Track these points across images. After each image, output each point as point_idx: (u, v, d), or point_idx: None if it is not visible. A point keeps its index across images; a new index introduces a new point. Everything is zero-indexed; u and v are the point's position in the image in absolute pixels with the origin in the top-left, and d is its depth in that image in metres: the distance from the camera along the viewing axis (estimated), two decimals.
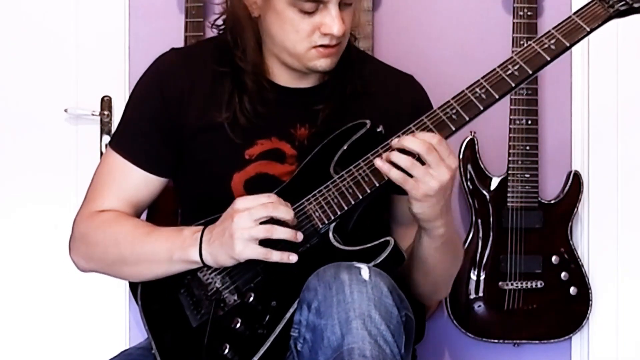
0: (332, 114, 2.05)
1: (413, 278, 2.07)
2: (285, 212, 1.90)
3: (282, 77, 2.08)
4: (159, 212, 2.61)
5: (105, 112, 2.84)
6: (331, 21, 1.95)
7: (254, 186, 2.02)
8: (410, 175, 1.87)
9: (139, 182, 2.10)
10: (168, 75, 2.09)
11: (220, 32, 2.14)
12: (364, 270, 1.82)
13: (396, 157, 1.88)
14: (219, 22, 2.14)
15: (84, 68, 2.87)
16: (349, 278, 1.80)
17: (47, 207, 2.86)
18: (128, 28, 2.88)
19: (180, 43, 2.72)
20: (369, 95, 2.09)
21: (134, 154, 2.08)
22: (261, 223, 1.89)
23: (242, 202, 1.91)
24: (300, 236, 1.91)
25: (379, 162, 1.89)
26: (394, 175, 1.87)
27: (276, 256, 1.90)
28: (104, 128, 2.84)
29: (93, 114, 2.85)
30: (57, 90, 2.87)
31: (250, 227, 1.88)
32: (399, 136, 1.91)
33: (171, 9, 2.87)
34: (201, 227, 1.98)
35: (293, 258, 1.90)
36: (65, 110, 2.85)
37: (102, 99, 2.85)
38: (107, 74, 2.87)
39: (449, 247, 2.01)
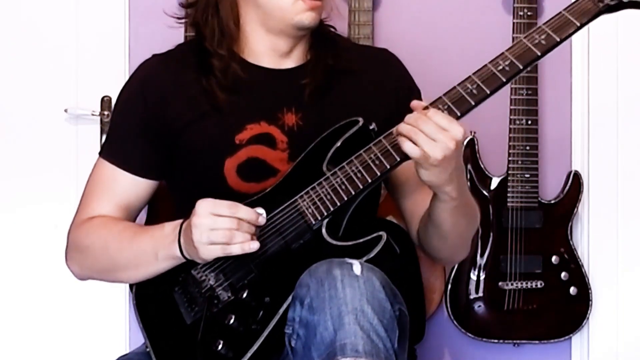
0: (316, 91, 2.08)
1: (431, 244, 2.09)
2: (246, 213, 1.89)
3: (265, 58, 2.10)
4: (158, 214, 2.61)
5: (105, 112, 2.84)
6: None
7: (247, 171, 2.05)
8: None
9: (128, 186, 2.12)
10: (149, 80, 2.12)
11: (189, 8, 2.15)
12: (356, 265, 1.83)
13: (401, 127, 1.89)
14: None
15: (84, 68, 2.87)
16: (340, 273, 1.80)
17: (47, 207, 2.86)
18: (128, 28, 2.88)
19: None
20: (351, 72, 2.12)
21: (121, 159, 2.11)
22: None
23: (200, 207, 1.90)
24: (255, 245, 1.89)
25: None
26: (406, 147, 1.88)
27: (236, 249, 1.90)
28: (104, 128, 2.84)
29: (93, 114, 2.85)
30: (57, 90, 2.87)
31: (208, 234, 1.89)
32: (391, 132, 1.93)
33: (171, 9, 2.86)
34: (180, 222, 1.99)
35: (254, 245, 1.90)
36: (65, 110, 2.85)
37: (102, 99, 2.85)
38: (107, 74, 2.87)
39: (462, 211, 2.01)
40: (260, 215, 1.92)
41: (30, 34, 2.87)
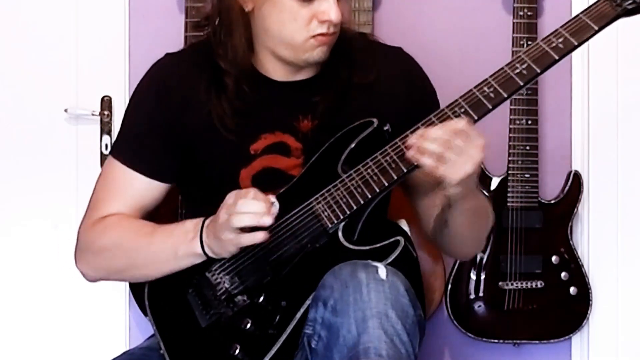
0: (330, 104, 2.06)
1: (446, 246, 2.11)
2: (255, 206, 1.88)
3: (277, 72, 2.08)
4: (159, 212, 2.61)
5: (105, 112, 2.84)
6: (329, 8, 1.97)
7: (262, 181, 2.03)
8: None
9: (143, 189, 2.10)
10: (165, 81, 2.09)
11: (204, 30, 2.13)
12: (381, 269, 1.83)
13: (427, 144, 1.86)
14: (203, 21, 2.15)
15: (84, 68, 2.86)
16: (366, 277, 1.81)
17: (47, 207, 2.85)
18: (128, 28, 2.88)
19: (180, 43, 2.72)
20: (365, 80, 2.09)
21: (136, 161, 2.09)
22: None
23: (227, 198, 1.92)
24: (267, 220, 1.89)
25: (410, 153, 1.88)
26: (427, 161, 1.86)
27: (247, 239, 1.89)
28: (104, 128, 2.84)
29: (93, 114, 2.85)
30: (57, 90, 2.86)
31: (225, 219, 1.89)
32: (407, 134, 1.92)
33: (171, 9, 2.86)
34: (202, 219, 1.99)
35: (260, 236, 1.89)
36: (65, 110, 2.85)
37: (102, 99, 2.85)
38: (107, 74, 2.86)
39: (477, 215, 2.03)
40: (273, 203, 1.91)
41: (30, 34, 2.86)
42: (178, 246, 1.99)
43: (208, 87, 2.06)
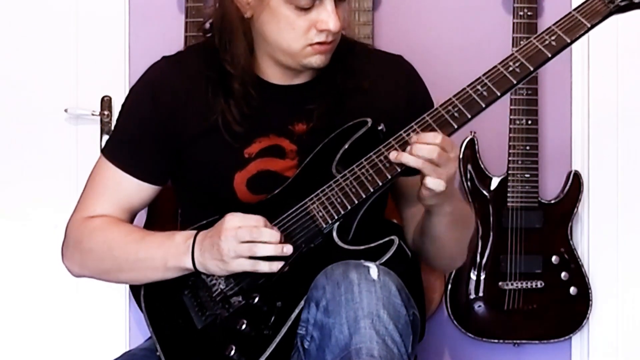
0: (327, 110, 2.05)
1: (428, 254, 2.10)
2: (269, 235, 1.91)
3: (276, 76, 2.07)
4: (158, 213, 2.61)
5: (105, 112, 2.84)
6: (327, 17, 1.95)
7: (257, 184, 2.03)
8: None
9: (132, 190, 2.10)
10: (160, 85, 2.09)
11: (208, 35, 2.13)
12: (373, 269, 1.83)
13: (424, 151, 1.89)
14: (207, 25, 2.14)
15: (84, 68, 2.87)
16: (357, 277, 1.81)
17: (47, 207, 2.85)
18: (128, 28, 2.88)
19: (180, 43, 2.72)
20: (362, 87, 2.09)
21: (127, 163, 2.08)
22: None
23: (231, 221, 1.92)
24: (288, 249, 1.91)
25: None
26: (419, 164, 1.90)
27: (264, 267, 1.91)
28: (104, 128, 2.84)
29: (93, 114, 2.85)
30: (57, 90, 2.87)
31: (235, 246, 1.90)
32: (401, 134, 1.92)
33: (171, 9, 2.87)
34: (193, 233, 1.98)
35: (275, 266, 1.91)
36: (65, 110, 2.85)
37: (102, 99, 2.85)
38: (107, 74, 2.87)
39: (457, 220, 2.04)
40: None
41: (30, 34, 2.87)
42: (168, 258, 1.99)
43: (215, 92, 2.05)
